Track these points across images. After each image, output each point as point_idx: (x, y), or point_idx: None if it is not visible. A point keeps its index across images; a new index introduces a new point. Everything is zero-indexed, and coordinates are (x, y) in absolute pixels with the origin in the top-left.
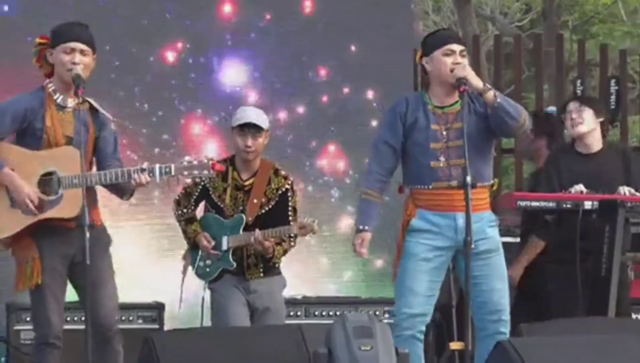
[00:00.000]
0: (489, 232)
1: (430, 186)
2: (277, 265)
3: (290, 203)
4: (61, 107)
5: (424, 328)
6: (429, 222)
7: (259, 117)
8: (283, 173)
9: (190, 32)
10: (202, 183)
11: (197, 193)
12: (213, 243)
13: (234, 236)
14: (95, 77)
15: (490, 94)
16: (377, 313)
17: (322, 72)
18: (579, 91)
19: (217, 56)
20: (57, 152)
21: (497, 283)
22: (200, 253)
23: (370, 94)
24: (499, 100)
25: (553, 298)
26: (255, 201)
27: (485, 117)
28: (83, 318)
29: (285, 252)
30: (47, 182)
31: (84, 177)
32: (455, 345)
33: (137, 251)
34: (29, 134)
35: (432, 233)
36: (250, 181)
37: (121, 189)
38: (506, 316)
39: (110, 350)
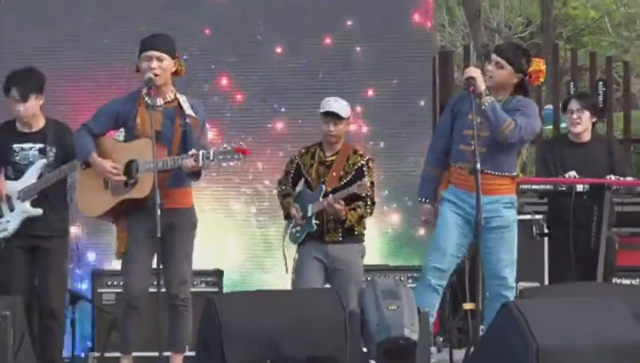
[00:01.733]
0: (504, 212)
1: (457, 165)
2: (356, 233)
3: (366, 177)
4: (151, 107)
5: (444, 283)
6: (455, 196)
7: (340, 107)
8: (361, 152)
9: None
10: (296, 161)
11: (292, 171)
12: (302, 213)
13: (315, 203)
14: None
15: (485, 99)
16: (402, 278)
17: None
18: (572, 92)
19: None
20: (137, 144)
21: (504, 254)
22: (292, 222)
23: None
24: (485, 107)
25: (550, 266)
26: (334, 174)
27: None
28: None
29: (360, 217)
30: (129, 168)
31: (154, 163)
32: (467, 306)
33: (200, 225)
34: (126, 130)
35: (458, 206)
36: (332, 158)
37: (190, 174)
38: (511, 282)
39: (182, 313)
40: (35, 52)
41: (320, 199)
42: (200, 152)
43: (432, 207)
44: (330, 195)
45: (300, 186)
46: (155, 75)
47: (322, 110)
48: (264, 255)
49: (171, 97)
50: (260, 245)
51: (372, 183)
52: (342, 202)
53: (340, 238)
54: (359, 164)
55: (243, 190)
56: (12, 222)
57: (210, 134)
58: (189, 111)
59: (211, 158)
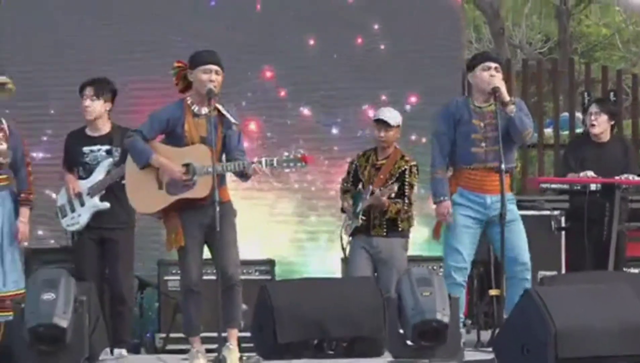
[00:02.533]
0: (510, 207)
1: (471, 166)
2: (400, 229)
3: (407, 180)
4: (196, 115)
5: (466, 278)
6: (465, 198)
7: (391, 116)
8: (407, 158)
9: None
10: (355, 162)
11: (352, 171)
12: (352, 208)
13: (364, 200)
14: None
15: (511, 107)
16: (435, 268)
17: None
18: (586, 102)
19: None
20: (192, 148)
21: (521, 242)
22: (346, 215)
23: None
24: (513, 114)
25: (567, 256)
26: (381, 176)
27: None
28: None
29: (398, 211)
30: (185, 171)
31: (213, 167)
32: (493, 292)
33: (254, 220)
34: (174, 136)
35: (469, 208)
36: (383, 161)
37: (240, 175)
38: (528, 265)
39: (235, 294)
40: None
41: (367, 198)
42: (264, 159)
43: (449, 202)
44: (377, 190)
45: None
46: (214, 87)
47: (374, 118)
48: (310, 247)
49: (212, 107)
50: (307, 238)
51: (410, 184)
52: (386, 198)
53: (385, 233)
54: (403, 169)
55: (296, 187)
56: (83, 216)
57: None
58: (232, 119)
59: (275, 164)
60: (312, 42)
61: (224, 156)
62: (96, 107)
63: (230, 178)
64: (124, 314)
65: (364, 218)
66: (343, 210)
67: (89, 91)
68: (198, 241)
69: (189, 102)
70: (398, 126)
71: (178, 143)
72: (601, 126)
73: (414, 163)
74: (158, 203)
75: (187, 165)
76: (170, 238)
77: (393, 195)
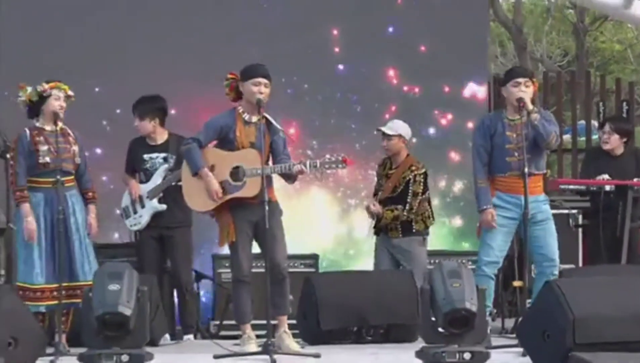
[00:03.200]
0: (543, 208)
1: (507, 174)
2: (414, 230)
3: (411, 189)
4: (247, 123)
5: (496, 271)
6: (503, 200)
7: (389, 127)
8: (413, 167)
9: None
10: (378, 170)
11: (378, 177)
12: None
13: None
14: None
15: (535, 116)
16: (463, 261)
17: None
18: (601, 111)
19: None
20: (242, 152)
21: (552, 240)
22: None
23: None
24: (536, 122)
25: (584, 251)
26: (390, 184)
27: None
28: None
29: (396, 217)
30: (235, 172)
31: (262, 169)
32: (516, 283)
33: (301, 218)
34: (226, 142)
35: (505, 209)
36: (393, 171)
37: (287, 177)
38: (556, 262)
39: (283, 284)
40: None
41: (376, 204)
42: (308, 161)
43: (493, 210)
44: (372, 205)
45: None
46: (263, 97)
47: (376, 129)
48: (349, 242)
49: (260, 115)
50: (347, 235)
51: (414, 192)
52: (378, 205)
53: (400, 234)
54: (408, 178)
55: (340, 188)
56: (144, 217)
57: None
58: (278, 126)
59: (317, 166)
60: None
61: (271, 160)
62: (144, 126)
63: (277, 180)
64: (188, 302)
65: (373, 221)
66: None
67: (135, 112)
68: (248, 237)
69: (240, 111)
70: (399, 135)
71: (230, 148)
72: (612, 143)
73: (421, 171)
74: (211, 202)
75: (236, 167)
76: (223, 234)
77: (385, 211)
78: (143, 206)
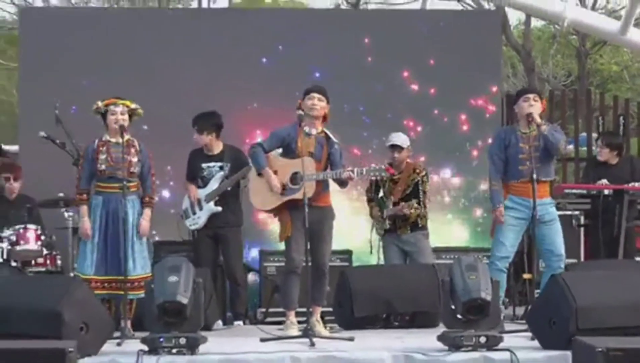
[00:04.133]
0: (550, 210)
1: (519, 181)
2: (420, 225)
3: (421, 188)
4: (307, 134)
5: (507, 265)
6: (514, 203)
7: (401, 140)
8: (418, 170)
9: None
10: (376, 179)
11: (373, 183)
12: (380, 214)
13: (388, 209)
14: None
15: (543, 128)
16: (479, 256)
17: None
18: (600, 124)
19: None
20: (300, 160)
21: (559, 238)
22: (374, 220)
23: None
24: (546, 133)
25: (585, 247)
26: (399, 188)
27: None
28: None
29: (418, 215)
30: (294, 177)
31: (316, 175)
32: (526, 276)
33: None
34: (288, 150)
35: (516, 210)
36: (398, 176)
37: (339, 182)
38: (563, 257)
39: (323, 279)
40: None
41: (390, 207)
42: (356, 169)
43: (503, 208)
44: (402, 203)
45: (381, 193)
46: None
47: (388, 143)
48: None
49: (320, 129)
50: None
51: (424, 191)
52: (410, 209)
53: (409, 230)
54: (416, 180)
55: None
56: (201, 218)
57: None
58: (335, 140)
59: (363, 173)
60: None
61: (329, 168)
62: (202, 139)
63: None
64: (239, 292)
65: (390, 222)
66: (372, 215)
67: (195, 127)
68: (301, 234)
69: (302, 124)
70: (407, 147)
71: (292, 156)
72: (604, 156)
73: (424, 173)
74: (272, 202)
75: (295, 173)
76: (282, 230)
77: (413, 210)
78: (201, 209)
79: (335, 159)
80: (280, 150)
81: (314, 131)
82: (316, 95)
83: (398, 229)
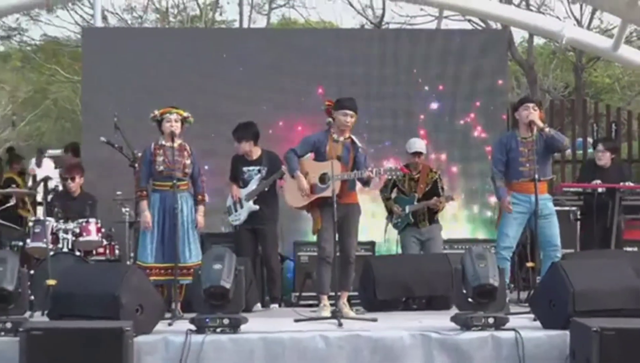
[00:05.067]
0: (548, 204)
1: (520, 180)
2: (437, 219)
3: (439, 185)
4: (335, 141)
5: (511, 254)
6: (516, 199)
7: (421, 146)
8: (434, 170)
9: None
10: (392, 179)
11: (390, 184)
12: (401, 209)
13: (412, 205)
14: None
15: (546, 131)
16: (488, 247)
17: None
18: (595, 130)
19: None
20: (329, 163)
21: (555, 230)
22: (394, 216)
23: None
24: (551, 134)
25: (581, 239)
26: (421, 186)
27: (547, 143)
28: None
29: (443, 208)
30: (323, 178)
31: (341, 175)
32: (529, 264)
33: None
34: (319, 154)
35: (519, 205)
36: (417, 175)
37: (363, 182)
38: (559, 247)
39: (349, 268)
40: None
41: (415, 203)
42: (374, 169)
43: (509, 198)
44: (435, 198)
45: (394, 193)
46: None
47: (411, 151)
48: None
49: (347, 136)
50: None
51: (442, 188)
52: (441, 201)
53: (428, 224)
54: (435, 178)
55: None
56: (242, 214)
57: None
58: (360, 145)
59: (382, 173)
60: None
61: (355, 170)
62: (242, 147)
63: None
64: (275, 279)
65: (412, 217)
66: (390, 212)
67: (235, 136)
68: (331, 227)
69: (331, 131)
70: (425, 153)
71: (322, 159)
72: (604, 160)
73: (439, 173)
74: (303, 200)
75: (324, 174)
76: (315, 224)
77: (442, 203)
78: (242, 207)
79: (359, 161)
80: (312, 154)
81: (341, 138)
82: (349, 112)
83: (419, 223)
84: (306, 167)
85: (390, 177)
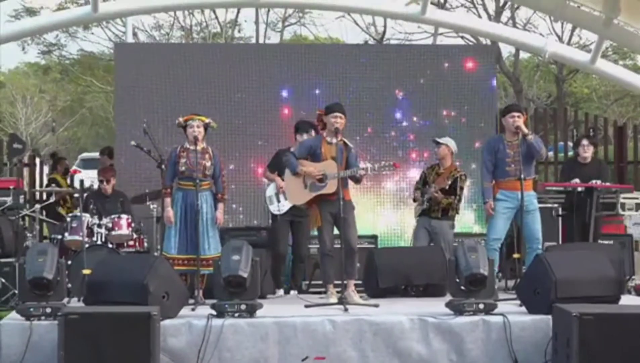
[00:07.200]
0: (533, 201)
1: (506, 179)
2: (449, 215)
3: (459, 184)
4: (329, 143)
5: (499, 245)
6: (504, 195)
7: (445, 140)
8: (458, 170)
9: None
10: (424, 172)
11: (422, 178)
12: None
13: (428, 192)
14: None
15: (529, 137)
16: (479, 240)
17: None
18: (574, 135)
19: None
20: (325, 163)
21: (538, 226)
22: (417, 204)
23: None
24: (532, 141)
25: (562, 233)
26: (441, 179)
27: (528, 148)
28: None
29: (450, 203)
30: (321, 177)
31: (337, 173)
32: (515, 255)
33: (366, 209)
34: (315, 156)
35: (506, 201)
36: (442, 171)
37: (355, 180)
38: (540, 241)
39: (353, 257)
40: None
41: (429, 190)
42: (368, 166)
43: (492, 203)
44: (434, 186)
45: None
46: (339, 126)
47: (432, 140)
48: (399, 227)
49: (339, 139)
50: (396, 222)
51: (461, 187)
52: (440, 193)
53: (439, 216)
54: (456, 176)
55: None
56: (285, 206)
57: None
58: (351, 146)
59: (376, 169)
60: (400, 93)
61: (347, 170)
62: (302, 137)
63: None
64: (301, 268)
65: (428, 204)
66: (414, 200)
67: (299, 129)
68: (330, 223)
69: (324, 135)
70: (446, 144)
71: (318, 160)
72: (588, 153)
73: (463, 173)
74: (304, 197)
75: (323, 173)
76: (313, 220)
77: (447, 187)
78: (285, 198)
79: (351, 161)
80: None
81: (334, 140)
82: (338, 113)
83: (432, 212)
84: (306, 166)
85: (384, 172)
